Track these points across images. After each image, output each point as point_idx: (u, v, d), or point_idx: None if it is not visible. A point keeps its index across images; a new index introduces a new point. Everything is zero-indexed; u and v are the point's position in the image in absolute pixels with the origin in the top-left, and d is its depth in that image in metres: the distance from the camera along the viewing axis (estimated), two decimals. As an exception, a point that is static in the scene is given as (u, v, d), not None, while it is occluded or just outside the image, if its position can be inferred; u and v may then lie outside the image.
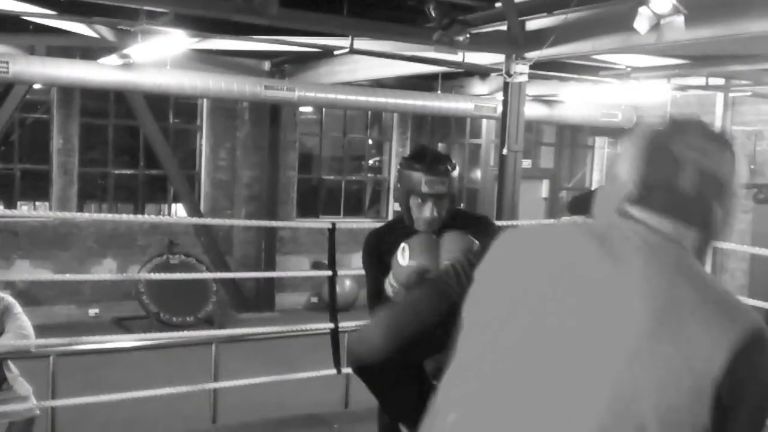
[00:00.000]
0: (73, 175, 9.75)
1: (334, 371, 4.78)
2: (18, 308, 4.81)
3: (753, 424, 1.14)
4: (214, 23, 5.98)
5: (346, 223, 9.15)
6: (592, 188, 9.65)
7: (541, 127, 12.44)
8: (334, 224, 4.64)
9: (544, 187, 12.30)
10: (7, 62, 6.68)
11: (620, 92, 8.65)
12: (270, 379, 4.98)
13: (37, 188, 9.85)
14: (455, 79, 10.04)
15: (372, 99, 9.06)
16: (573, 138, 12.68)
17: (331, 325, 4.73)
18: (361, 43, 6.00)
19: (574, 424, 1.10)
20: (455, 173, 2.61)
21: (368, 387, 1.47)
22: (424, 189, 2.52)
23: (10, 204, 9.67)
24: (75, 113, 9.68)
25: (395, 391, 1.48)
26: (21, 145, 9.85)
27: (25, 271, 9.26)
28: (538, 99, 9.84)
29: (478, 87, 10.04)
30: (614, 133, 11.20)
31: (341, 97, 8.76)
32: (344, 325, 4.71)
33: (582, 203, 5.89)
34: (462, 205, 11.06)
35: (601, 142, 11.88)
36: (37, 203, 10.14)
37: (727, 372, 1.08)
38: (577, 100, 10.03)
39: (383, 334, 1.38)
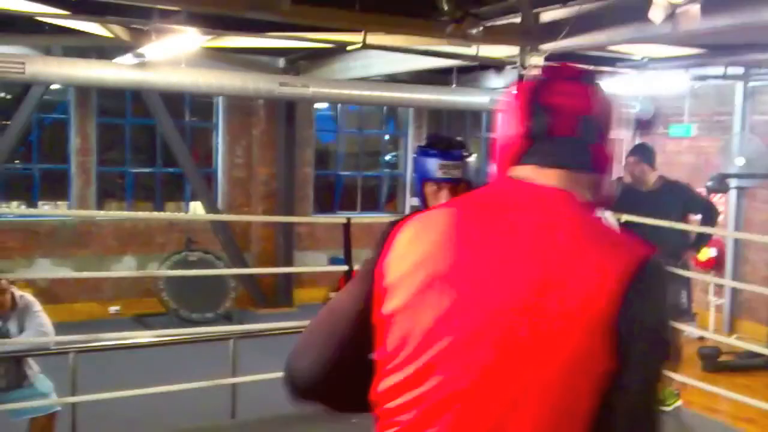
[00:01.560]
0: (91, 175, 9.84)
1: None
2: (37, 306, 4.87)
3: (656, 350, 1.15)
4: (227, 21, 5.99)
5: (362, 218, 9.15)
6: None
7: (558, 120, 12.35)
8: (349, 219, 4.65)
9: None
10: (23, 63, 6.74)
11: (637, 83, 8.57)
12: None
13: (56, 188, 9.94)
14: (471, 72, 9.99)
15: (386, 94, 9.05)
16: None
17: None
18: (374, 38, 5.98)
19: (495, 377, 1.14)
20: (471, 159, 2.61)
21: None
22: (439, 174, 2.53)
23: (31, 204, 9.78)
24: (92, 113, 9.75)
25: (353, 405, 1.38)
26: (40, 145, 9.95)
27: (45, 270, 9.36)
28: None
29: (494, 80, 9.99)
30: (632, 124, 11.11)
31: (356, 92, 8.75)
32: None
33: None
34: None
35: (618, 135, 11.79)
36: (56, 203, 10.23)
37: (619, 303, 1.11)
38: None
39: (303, 356, 1.33)
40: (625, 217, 4.96)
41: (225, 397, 5.07)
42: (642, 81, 8.36)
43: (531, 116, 1.25)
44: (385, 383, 1.24)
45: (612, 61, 7.95)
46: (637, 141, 9.66)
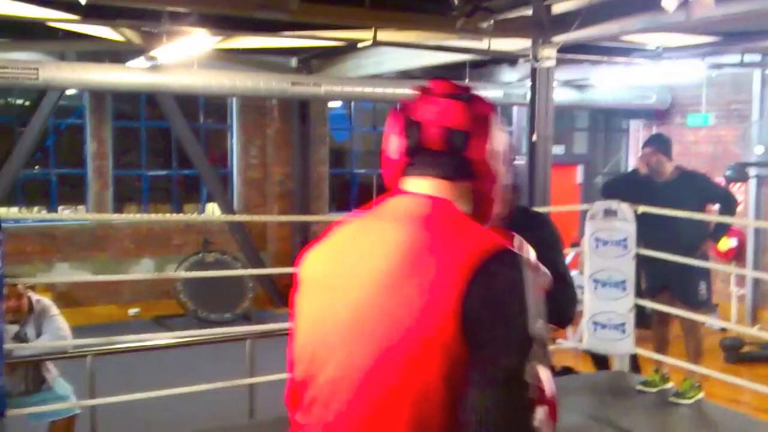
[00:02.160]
0: (108, 178, 9.90)
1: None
2: (54, 310, 4.90)
3: (502, 344, 1.18)
4: (237, 21, 5.99)
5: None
6: (626, 171, 9.49)
7: (574, 113, 12.27)
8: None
9: (578, 173, 12.13)
10: (36, 69, 6.78)
11: (653, 73, 8.47)
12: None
13: (73, 192, 10.01)
14: (484, 67, 9.93)
15: (398, 91, 9.01)
16: (607, 122, 12.48)
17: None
18: (384, 35, 5.95)
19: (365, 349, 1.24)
20: (519, 162, 2.50)
21: None
22: None
23: (49, 208, 9.85)
24: (107, 117, 9.81)
25: None
26: (56, 150, 10.03)
27: (64, 273, 9.43)
28: (569, 84, 9.70)
29: (508, 74, 9.91)
30: (649, 115, 11.00)
31: (368, 90, 8.73)
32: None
33: (616, 187, 5.82)
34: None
35: (636, 125, 11.67)
36: (75, 207, 10.30)
37: (462, 297, 1.17)
38: (609, 84, 9.85)
39: None
40: (642, 209, 4.90)
41: (243, 398, 5.06)
42: (658, 71, 8.26)
43: (406, 132, 1.36)
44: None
45: (627, 51, 7.86)
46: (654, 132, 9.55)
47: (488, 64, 9.76)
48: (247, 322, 8.97)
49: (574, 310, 2.56)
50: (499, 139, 1.38)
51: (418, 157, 1.36)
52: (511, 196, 2.40)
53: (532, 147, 6.15)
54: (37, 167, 9.98)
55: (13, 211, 9.43)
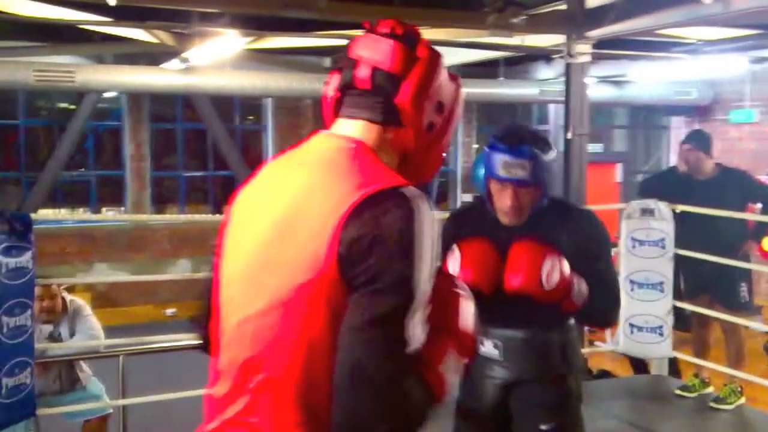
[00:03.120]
0: (145, 180, 10.01)
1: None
2: (87, 310, 4.94)
3: (380, 281, 1.11)
4: (267, 21, 5.99)
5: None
6: (664, 169, 9.27)
7: (613, 110, 12.05)
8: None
9: (617, 171, 11.91)
10: (73, 72, 6.88)
11: (693, 68, 8.25)
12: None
13: (112, 194, 10.16)
14: (520, 64, 9.81)
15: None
16: (647, 119, 12.24)
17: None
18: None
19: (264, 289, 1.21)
20: (545, 157, 2.23)
21: None
22: (501, 173, 2.20)
23: (89, 210, 10.01)
24: (145, 119, 9.92)
25: None
26: (96, 152, 10.18)
27: (103, 274, 9.56)
28: (607, 80, 9.51)
29: (544, 71, 9.78)
30: (691, 111, 10.74)
31: (401, 88, 8.66)
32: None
33: (654, 185, 5.67)
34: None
35: (677, 122, 11.41)
36: (112, 208, 10.45)
37: (341, 233, 1.12)
38: (648, 80, 9.63)
39: None
40: (680, 208, 4.76)
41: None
42: (699, 65, 8.04)
43: (341, 70, 1.30)
44: None
45: (666, 46, 7.67)
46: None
47: (524, 61, 9.64)
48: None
49: (615, 315, 2.46)
50: (440, 90, 1.30)
51: (349, 97, 1.30)
52: (535, 194, 2.31)
53: (567, 144, 6.02)
54: (83, 170, 10.12)
55: (53, 213, 9.59)
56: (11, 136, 9.70)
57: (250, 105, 10.66)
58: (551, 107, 11.08)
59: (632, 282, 4.91)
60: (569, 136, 5.94)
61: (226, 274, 1.30)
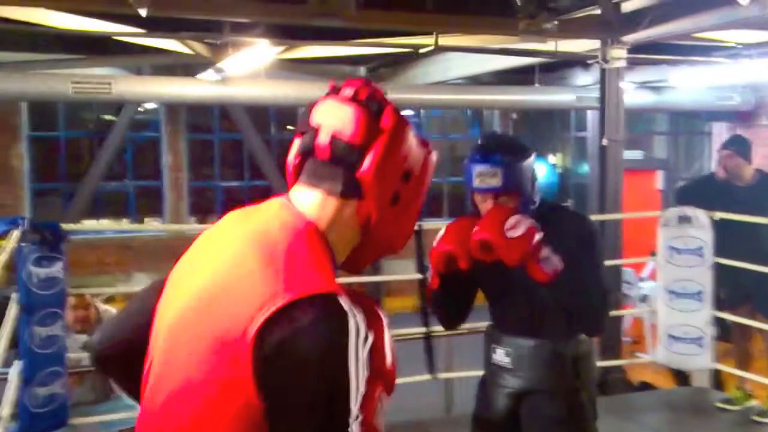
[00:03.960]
0: (183, 190, 10.12)
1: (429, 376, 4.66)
2: (121, 320, 5.00)
3: (294, 414, 1.04)
4: (301, 31, 6.00)
5: (435, 225, 8.99)
6: (702, 175, 9.04)
7: (653, 116, 11.83)
8: (420, 226, 4.53)
9: (658, 179, 11.68)
10: (109, 83, 6.98)
11: (735, 72, 8.04)
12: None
13: (150, 204, 10.29)
14: (556, 70, 9.69)
15: (466, 97, 8.87)
16: (688, 125, 11.99)
17: (424, 329, 4.61)
18: (446, 40, 5.84)
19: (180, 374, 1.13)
20: (519, 164, 2.23)
21: None
22: (476, 183, 2.22)
23: (128, 220, 10.16)
24: (182, 130, 10.04)
25: None
26: (134, 163, 10.33)
27: (142, 284, 9.67)
28: (646, 85, 9.34)
29: (581, 77, 9.63)
30: (733, 117, 10.48)
31: (434, 96, 8.62)
32: (438, 329, 4.58)
33: (691, 192, 5.53)
34: (570, 201, 10.68)
35: (719, 128, 11.14)
36: (152, 218, 10.59)
37: (257, 342, 1.03)
38: (687, 85, 9.42)
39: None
40: (719, 215, 4.63)
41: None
42: (740, 70, 7.83)
43: (302, 134, 1.23)
44: None
45: (706, 50, 7.49)
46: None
47: (560, 67, 9.51)
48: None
49: (601, 320, 2.37)
50: (407, 159, 1.21)
51: (309, 163, 1.22)
52: (518, 201, 2.26)
53: (602, 152, 5.91)
54: (125, 180, 10.27)
55: (93, 223, 9.75)
56: (53, 147, 9.91)
57: (286, 114, 10.72)
58: (589, 114, 10.92)
59: (670, 292, 4.79)
60: (604, 142, 5.84)
61: (156, 329, 1.24)
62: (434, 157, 1.29)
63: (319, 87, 7.63)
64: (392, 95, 5.38)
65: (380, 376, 1.13)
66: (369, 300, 1.20)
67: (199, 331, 1.10)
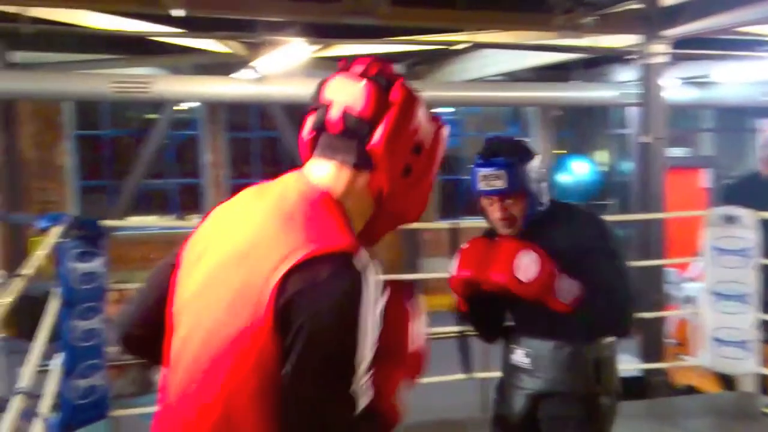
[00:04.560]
0: (223, 187, 10.23)
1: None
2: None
3: (311, 358, 1.10)
4: (334, 29, 6.01)
5: (473, 223, 8.93)
6: (747, 174, 8.81)
7: (699, 112, 11.58)
8: (456, 224, 4.52)
9: (704, 176, 11.43)
10: (149, 82, 7.09)
11: (781, 67, 7.82)
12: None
13: (190, 201, 10.42)
14: (597, 66, 9.54)
15: (504, 94, 8.78)
16: (735, 121, 11.70)
17: (458, 328, 4.58)
18: (481, 36, 5.79)
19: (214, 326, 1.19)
20: (524, 165, 2.21)
21: None
22: (481, 186, 2.22)
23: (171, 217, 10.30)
24: (221, 128, 10.15)
25: None
26: (176, 160, 10.48)
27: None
28: (690, 81, 9.14)
29: (623, 73, 9.47)
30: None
31: (471, 94, 8.55)
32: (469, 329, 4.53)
33: (737, 190, 5.39)
34: (612, 200, 10.50)
35: (764, 125, 10.85)
36: (196, 215, 10.72)
37: (278, 291, 1.10)
38: (733, 80, 9.19)
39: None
40: (766, 215, 4.50)
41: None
42: (787, 65, 7.62)
43: (315, 111, 1.27)
44: None
45: (751, 45, 7.30)
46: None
47: (602, 63, 9.37)
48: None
49: (622, 319, 2.28)
50: (418, 132, 1.25)
51: (323, 137, 1.26)
52: (525, 203, 2.20)
53: (644, 149, 5.80)
54: (173, 178, 10.42)
55: (137, 219, 9.90)
56: (98, 145, 10.10)
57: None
58: (632, 110, 10.74)
59: (716, 294, 4.67)
60: (645, 139, 5.73)
61: (179, 298, 1.30)
62: (446, 131, 1.32)
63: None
64: (429, 92, 5.41)
65: (400, 360, 1.22)
66: (406, 286, 1.33)
67: (225, 289, 1.18)
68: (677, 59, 6.75)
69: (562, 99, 9.11)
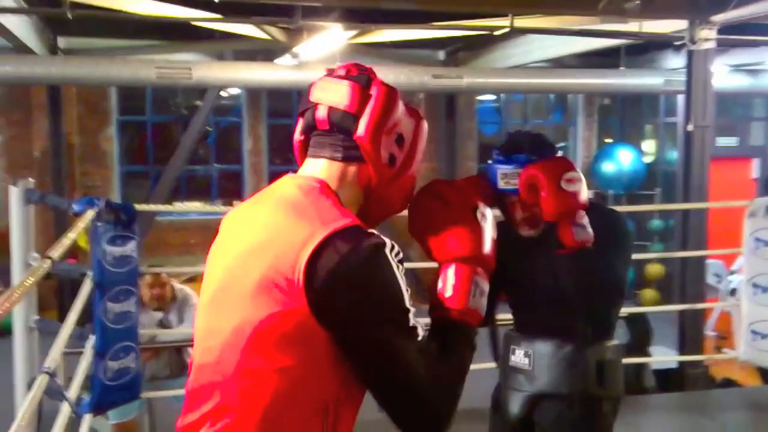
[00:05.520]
0: (263, 174, 10.29)
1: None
2: (195, 299, 5.11)
3: (370, 315, 1.22)
4: (372, 14, 5.95)
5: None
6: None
7: (751, 101, 11.23)
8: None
9: (754, 167, 11.09)
10: (190, 68, 7.14)
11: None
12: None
13: (231, 187, 10.51)
14: (645, 53, 9.31)
15: (546, 81, 8.63)
16: (788, 111, 11.32)
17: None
18: (522, 21, 5.67)
19: (232, 319, 1.28)
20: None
21: None
22: (501, 185, 2.13)
23: (210, 202, 10.41)
24: (263, 115, 10.19)
25: None
26: (217, 147, 10.57)
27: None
28: (741, 68, 8.86)
29: (672, 60, 9.22)
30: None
31: (513, 80, 8.41)
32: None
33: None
34: (658, 189, 10.27)
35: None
36: (237, 201, 10.81)
37: (307, 277, 1.19)
38: (787, 68, 8.89)
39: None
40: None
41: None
42: None
43: (304, 112, 1.39)
44: None
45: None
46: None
47: (650, 49, 9.13)
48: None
49: (600, 306, 2.22)
50: (399, 124, 1.36)
51: (313, 138, 1.39)
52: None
53: (688, 138, 5.64)
54: (214, 165, 10.53)
55: (177, 205, 10.04)
56: (141, 131, 10.24)
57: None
58: (680, 98, 10.45)
59: (755, 285, 4.54)
60: (690, 128, 5.57)
61: (200, 303, 1.41)
62: (425, 124, 1.42)
63: (395, 72, 7.57)
64: (470, 79, 5.34)
65: (474, 261, 1.36)
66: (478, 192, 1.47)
67: (246, 282, 1.26)
68: (726, 45, 6.53)
69: (605, 86, 8.92)
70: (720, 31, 5.58)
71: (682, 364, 5.52)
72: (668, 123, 11.14)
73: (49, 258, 2.42)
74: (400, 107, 1.37)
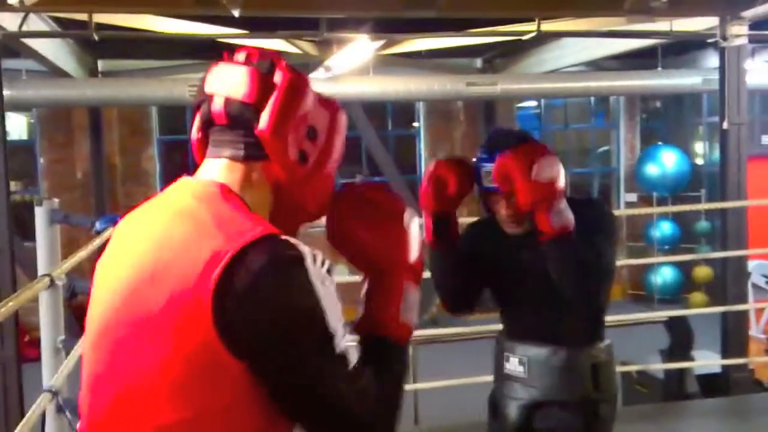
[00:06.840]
0: (304, 187, 10.38)
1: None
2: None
3: (291, 343, 1.04)
4: (400, 24, 5.97)
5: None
6: None
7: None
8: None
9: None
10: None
11: None
12: (468, 381, 4.81)
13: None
14: (686, 53, 9.14)
15: (583, 84, 8.53)
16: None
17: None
18: (549, 25, 5.62)
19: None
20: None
21: None
22: (485, 183, 2.11)
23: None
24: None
25: None
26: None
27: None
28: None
29: (711, 59, 9.02)
30: None
31: (548, 85, 8.35)
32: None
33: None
34: (703, 190, 10.03)
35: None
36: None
37: (215, 302, 1.02)
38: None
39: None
40: None
41: (407, 404, 5.00)
42: None
43: (200, 106, 1.19)
44: None
45: None
46: None
47: (690, 49, 8.96)
48: (435, 326, 8.93)
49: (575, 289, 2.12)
50: (309, 116, 1.17)
51: (212, 135, 1.19)
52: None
53: (723, 136, 5.52)
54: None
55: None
56: (181, 150, 10.44)
57: (402, 110, 10.75)
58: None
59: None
60: (725, 126, 5.44)
61: (86, 340, 1.20)
62: (343, 115, 1.24)
63: (429, 80, 7.57)
64: (504, 85, 5.33)
65: (403, 269, 1.21)
66: (397, 196, 1.28)
67: (141, 313, 1.08)
68: (761, 41, 6.37)
69: (641, 87, 8.79)
70: (753, 27, 5.45)
71: (725, 368, 5.37)
72: (711, 123, 10.89)
73: (48, 276, 2.48)
74: (311, 96, 1.19)
